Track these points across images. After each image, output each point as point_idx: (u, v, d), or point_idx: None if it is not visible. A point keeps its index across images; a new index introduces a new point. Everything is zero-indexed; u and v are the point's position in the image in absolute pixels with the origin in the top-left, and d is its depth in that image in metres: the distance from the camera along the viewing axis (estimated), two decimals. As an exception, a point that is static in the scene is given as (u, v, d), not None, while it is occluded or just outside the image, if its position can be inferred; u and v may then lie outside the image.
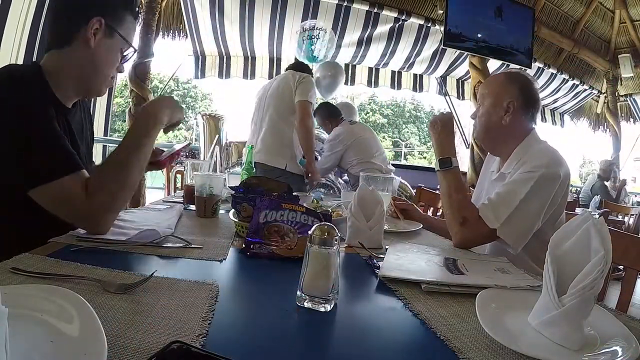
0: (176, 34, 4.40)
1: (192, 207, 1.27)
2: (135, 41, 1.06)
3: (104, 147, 4.03)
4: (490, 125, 1.23)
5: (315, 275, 0.58)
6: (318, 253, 0.58)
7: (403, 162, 26.77)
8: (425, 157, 30.08)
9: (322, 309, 0.57)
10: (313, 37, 3.93)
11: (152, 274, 0.61)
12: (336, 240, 0.59)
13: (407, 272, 0.74)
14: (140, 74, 3.46)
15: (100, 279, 0.59)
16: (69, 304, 0.46)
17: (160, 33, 3.93)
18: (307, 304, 0.58)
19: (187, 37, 4.36)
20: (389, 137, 31.34)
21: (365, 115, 31.34)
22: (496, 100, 1.22)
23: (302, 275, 0.59)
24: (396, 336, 0.54)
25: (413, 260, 0.85)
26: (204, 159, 3.54)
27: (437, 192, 2.36)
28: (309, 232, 0.59)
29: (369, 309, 0.65)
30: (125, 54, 1.00)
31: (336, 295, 0.60)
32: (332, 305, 0.58)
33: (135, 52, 1.04)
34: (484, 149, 1.38)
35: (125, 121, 4.24)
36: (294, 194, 1.14)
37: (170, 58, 7.66)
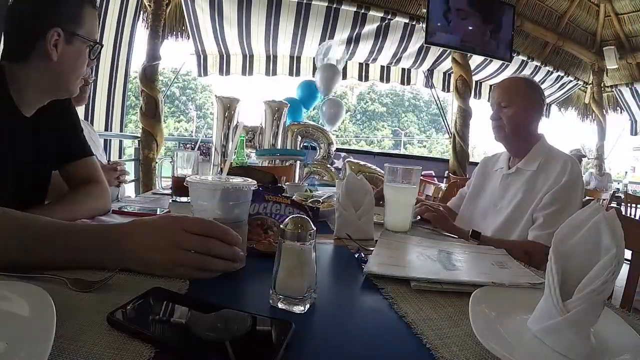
0: (179, 35, 4.44)
1: (182, 199, 1.18)
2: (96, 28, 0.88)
3: (120, 142, 4.09)
4: (520, 126, 1.28)
5: (288, 273, 0.49)
6: (291, 249, 0.49)
7: (402, 151, 26.54)
8: (425, 146, 29.69)
9: (297, 311, 0.48)
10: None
11: (116, 271, 0.54)
12: (311, 235, 0.50)
13: (396, 268, 0.64)
14: (150, 76, 3.66)
15: (66, 276, 0.51)
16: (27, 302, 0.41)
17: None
18: (280, 305, 0.49)
19: (189, 38, 4.39)
20: (388, 126, 30.91)
21: (365, 104, 30.93)
22: (527, 104, 1.27)
23: (275, 273, 0.50)
24: (375, 343, 0.44)
25: (404, 254, 0.74)
26: (215, 148, 3.45)
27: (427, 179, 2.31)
28: (281, 226, 0.50)
29: (350, 310, 0.54)
30: (93, 49, 0.87)
31: (313, 295, 0.51)
32: (308, 306, 0.49)
33: (100, 46, 0.89)
34: (507, 147, 1.36)
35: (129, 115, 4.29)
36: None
37: (174, 57, 7.76)
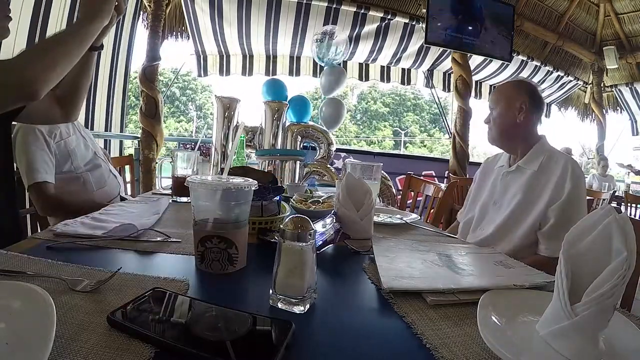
0: (179, 35, 4.43)
1: (182, 199, 1.18)
2: None
3: (121, 142, 4.08)
4: (506, 126, 1.31)
5: (288, 274, 0.49)
6: (291, 249, 0.49)
7: (403, 151, 26.43)
8: (425, 146, 29.65)
9: (297, 311, 0.48)
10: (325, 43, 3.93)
11: (117, 271, 0.54)
12: (311, 235, 0.50)
13: (412, 279, 0.59)
14: (149, 76, 3.63)
15: (66, 277, 0.52)
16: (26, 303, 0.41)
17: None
18: (280, 305, 0.49)
19: (189, 38, 4.38)
20: (389, 125, 30.83)
21: (367, 104, 30.86)
22: (509, 104, 1.29)
23: (275, 274, 0.50)
24: (376, 343, 0.44)
25: (408, 261, 0.70)
26: (215, 148, 3.46)
27: (425, 178, 2.31)
28: (281, 226, 0.50)
29: (349, 309, 0.54)
30: None
31: (313, 295, 0.51)
32: (308, 306, 0.49)
33: None
34: (501, 148, 1.41)
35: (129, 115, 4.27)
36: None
37: (174, 57, 7.77)
